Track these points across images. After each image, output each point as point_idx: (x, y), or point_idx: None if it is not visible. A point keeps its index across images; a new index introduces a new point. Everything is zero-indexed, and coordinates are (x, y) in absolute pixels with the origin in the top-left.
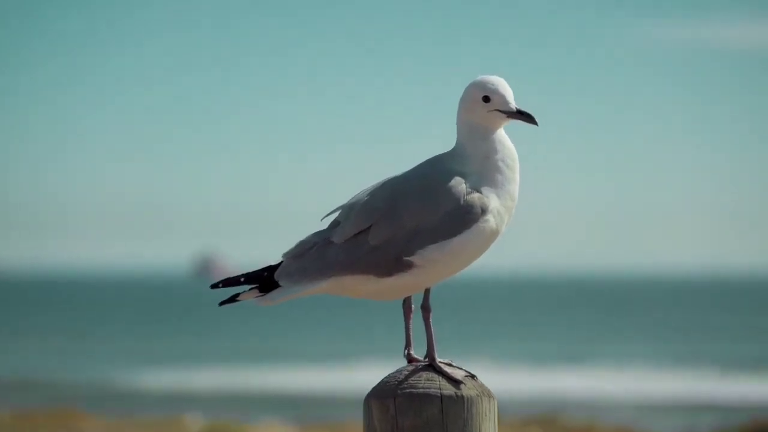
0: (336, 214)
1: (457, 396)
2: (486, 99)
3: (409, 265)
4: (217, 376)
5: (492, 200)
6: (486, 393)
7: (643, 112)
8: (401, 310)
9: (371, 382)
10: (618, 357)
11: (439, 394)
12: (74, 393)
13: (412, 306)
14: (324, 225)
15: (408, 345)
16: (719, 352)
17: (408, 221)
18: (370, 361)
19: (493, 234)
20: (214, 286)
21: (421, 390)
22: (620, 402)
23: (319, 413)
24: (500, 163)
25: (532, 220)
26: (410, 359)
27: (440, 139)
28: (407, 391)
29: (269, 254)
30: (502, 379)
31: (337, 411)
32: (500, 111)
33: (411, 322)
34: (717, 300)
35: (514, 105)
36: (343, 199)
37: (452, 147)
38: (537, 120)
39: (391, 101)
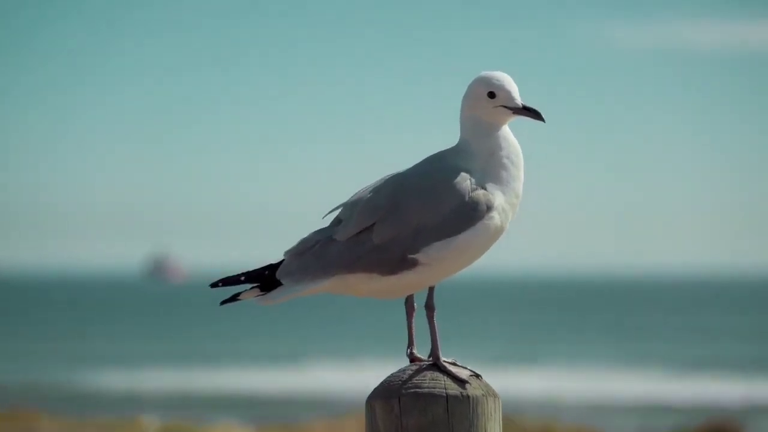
0: (337, 212)
1: (462, 396)
2: (491, 95)
3: (413, 263)
4: (172, 377)
5: (497, 197)
6: (491, 393)
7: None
8: (363, 308)
9: (328, 382)
10: (574, 357)
11: (444, 394)
12: (30, 394)
13: (415, 304)
14: (325, 223)
15: (411, 344)
16: (675, 353)
17: (412, 219)
18: (326, 361)
19: (498, 231)
20: (214, 285)
21: (426, 390)
22: (577, 402)
23: (276, 414)
24: (505, 160)
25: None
26: (413, 358)
27: (427, 136)
28: (412, 390)
29: (225, 255)
30: None
31: (294, 411)
32: (506, 107)
33: (414, 320)
34: (682, 301)
35: (520, 101)
36: (304, 199)
37: (455, 143)
38: (544, 116)
39: (374, 99)
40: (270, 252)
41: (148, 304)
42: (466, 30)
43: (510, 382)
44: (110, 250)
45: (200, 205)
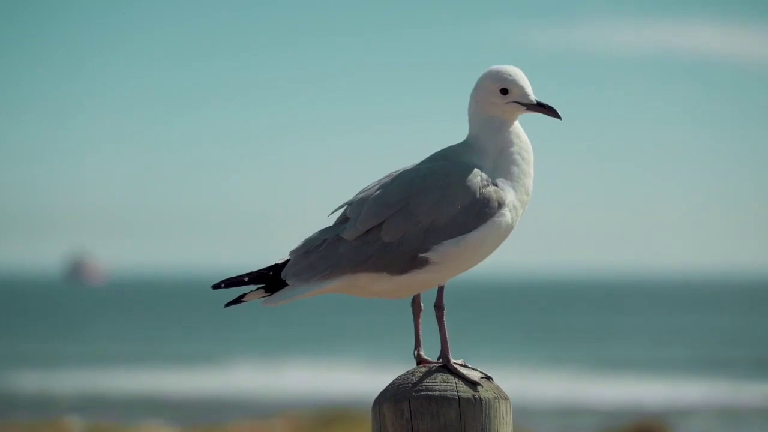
0: (341, 211)
1: (474, 398)
2: (504, 91)
3: (424, 262)
4: (93, 379)
5: (508, 194)
6: (502, 396)
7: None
8: (284, 307)
9: (252, 383)
10: (496, 358)
11: (456, 397)
12: None
13: (422, 305)
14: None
15: (418, 345)
16: (599, 353)
17: (423, 216)
18: (250, 362)
19: (508, 229)
20: (216, 286)
21: (438, 392)
22: None
23: (202, 415)
24: (516, 156)
25: None
26: (420, 360)
27: (398, 138)
28: (423, 393)
29: (145, 256)
30: (375, 382)
31: (220, 413)
32: (519, 103)
33: (420, 321)
34: (609, 302)
35: (533, 97)
36: (235, 201)
37: (464, 139)
38: (560, 113)
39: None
40: (196, 253)
41: (66, 306)
42: (460, 27)
43: None
44: (29, 251)
45: (121, 205)
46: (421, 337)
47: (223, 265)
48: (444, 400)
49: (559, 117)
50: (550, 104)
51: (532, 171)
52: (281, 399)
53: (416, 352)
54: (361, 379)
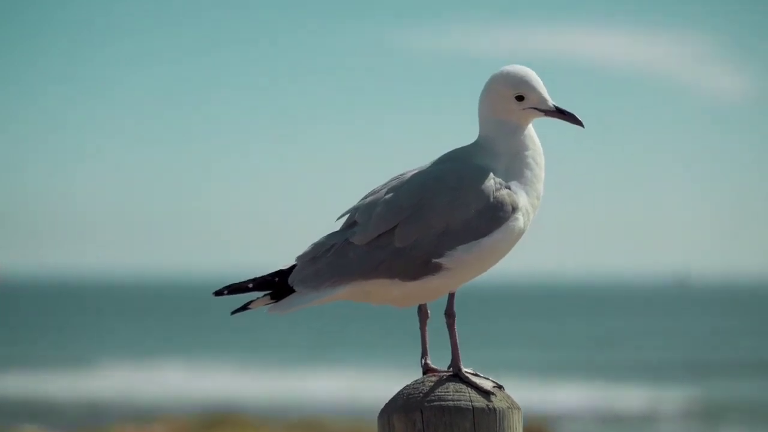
0: (348, 215)
1: (489, 408)
2: (519, 98)
3: (437, 268)
4: None
5: (521, 197)
6: (515, 405)
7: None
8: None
9: (127, 387)
10: (374, 359)
11: (470, 407)
12: None
13: (428, 312)
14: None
15: (424, 353)
16: (482, 356)
17: (436, 221)
18: (123, 365)
19: (520, 233)
20: (218, 293)
21: (451, 402)
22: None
23: (79, 419)
24: (530, 160)
25: None
26: (427, 369)
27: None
28: (435, 403)
29: (44, 259)
30: (255, 385)
31: (96, 417)
32: (537, 109)
33: (427, 328)
34: (498, 306)
35: (551, 102)
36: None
37: (474, 140)
38: (582, 120)
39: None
40: (80, 256)
41: None
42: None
43: (305, 382)
44: None
45: (9, 206)
46: (427, 345)
47: (112, 267)
48: (458, 410)
49: (581, 124)
50: (570, 110)
51: (543, 175)
52: (160, 402)
53: (423, 360)
54: (240, 381)
